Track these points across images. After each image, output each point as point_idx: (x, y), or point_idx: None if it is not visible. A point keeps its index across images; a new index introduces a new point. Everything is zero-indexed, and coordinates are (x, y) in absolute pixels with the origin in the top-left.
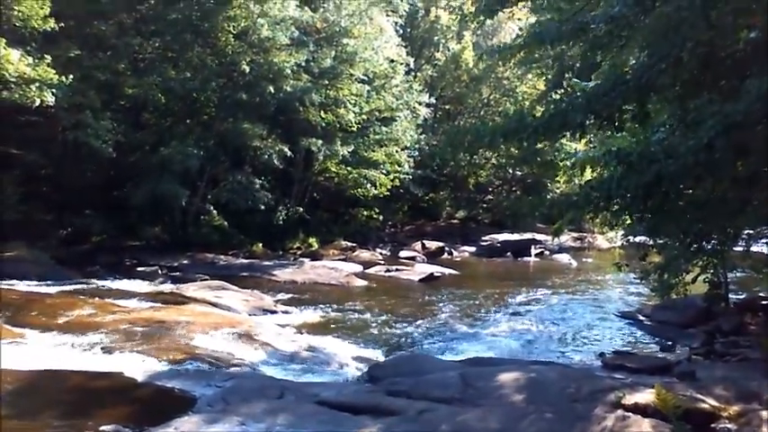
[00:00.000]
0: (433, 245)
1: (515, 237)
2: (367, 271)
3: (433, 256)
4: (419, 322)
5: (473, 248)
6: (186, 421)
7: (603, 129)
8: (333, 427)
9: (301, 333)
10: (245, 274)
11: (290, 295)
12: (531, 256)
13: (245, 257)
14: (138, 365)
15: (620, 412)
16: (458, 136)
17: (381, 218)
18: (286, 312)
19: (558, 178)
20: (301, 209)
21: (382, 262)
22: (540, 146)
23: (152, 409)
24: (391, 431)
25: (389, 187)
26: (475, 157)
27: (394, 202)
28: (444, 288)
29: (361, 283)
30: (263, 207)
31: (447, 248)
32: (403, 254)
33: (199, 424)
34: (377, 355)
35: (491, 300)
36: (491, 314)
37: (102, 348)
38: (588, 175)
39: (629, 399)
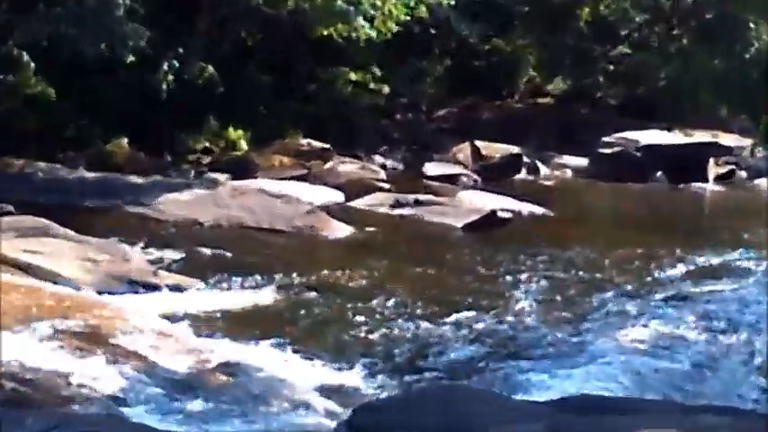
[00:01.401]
0: (494, 150)
1: (674, 138)
2: (353, 204)
3: (494, 175)
4: (459, 318)
5: (581, 159)
6: None
7: None
8: None
9: (211, 334)
10: (91, 203)
11: (185, 252)
12: (706, 180)
13: (95, 167)
14: None
15: None
16: None
17: (386, 90)
18: (178, 290)
19: None
20: (212, 68)
21: (387, 185)
22: None
23: None
24: None
25: (401, 22)
26: None
27: (414, 56)
28: (516, 245)
29: (341, 229)
30: (131, 58)
31: (527, 159)
32: (431, 168)
33: None
34: (367, 385)
35: (615, 274)
36: (612, 305)
37: None
38: None
39: None
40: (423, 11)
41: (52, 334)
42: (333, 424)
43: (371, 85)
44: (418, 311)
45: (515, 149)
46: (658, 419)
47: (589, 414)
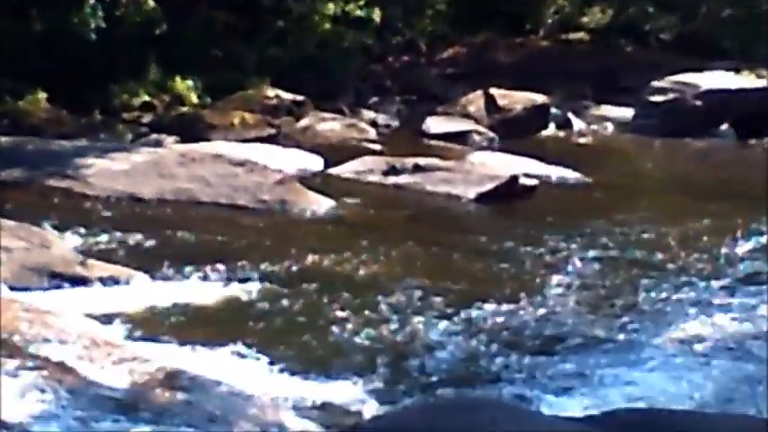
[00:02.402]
0: (514, 100)
1: (744, 82)
2: (336, 171)
3: (514, 132)
4: (474, 313)
5: (625, 110)
6: None
7: None
8: None
9: (157, 339)
10: (1, 174)
11: (121, 236)
12: None
13: (5, 130)
14: None
15: None
16: None
17: (377, 19)
18: (113, 283)
19: None
20: (153, 2)
21: (378, 146)
22: None
23: None
24: None
25: None
26: None
27: None
28: (543, 219)
29: (320, 204)
30: None
31: (556, 110)
32: (434, 125)
33: None
34: (359, 400)
35: (671, 254)
36: (669, 293)
37: None
38: None
39: None
40: None
41: None
42: None
43: (358, 12)
44: (421, 306)
45: (541, 99)
46: None
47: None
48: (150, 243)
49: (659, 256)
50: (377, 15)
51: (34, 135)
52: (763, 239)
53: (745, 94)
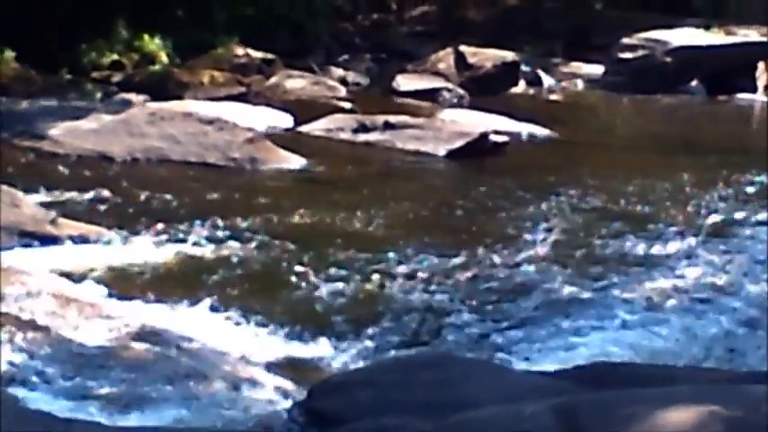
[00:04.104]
0: (485, 57)
1: (714, 38)
2: (306, 129)
3: (485, 89)
4: (445, 270)
5: (595, 67)
6: None
7: None
8: None
9: (128, 297)
10: None
11: (91, 196)
12: (755, 89)
13: None
14: None
15: None
16: None
17: None
18: (84, 242)
19: None
20: None
21: (348, 104)
22: None
23: None
24: None
25: None
26: None
27: None
28: (513, 176)
29: (291, 161)
30: None
31: (526, 68)
32: (404, 82)
33: None
34: (330, 356)
35: (640, 210)
36: (637, 249)
37: None
38: None
39: None
40: None
41: None
42: (286, 405)
43: None
44: (391, 262)
45: (511, 56)
46: (695, 391)
47: (608, 386)
48: (120, 202)
49: (630, 209)
50: None
51: (2, 95)
52: (733, 198)
53: (714, 50)
